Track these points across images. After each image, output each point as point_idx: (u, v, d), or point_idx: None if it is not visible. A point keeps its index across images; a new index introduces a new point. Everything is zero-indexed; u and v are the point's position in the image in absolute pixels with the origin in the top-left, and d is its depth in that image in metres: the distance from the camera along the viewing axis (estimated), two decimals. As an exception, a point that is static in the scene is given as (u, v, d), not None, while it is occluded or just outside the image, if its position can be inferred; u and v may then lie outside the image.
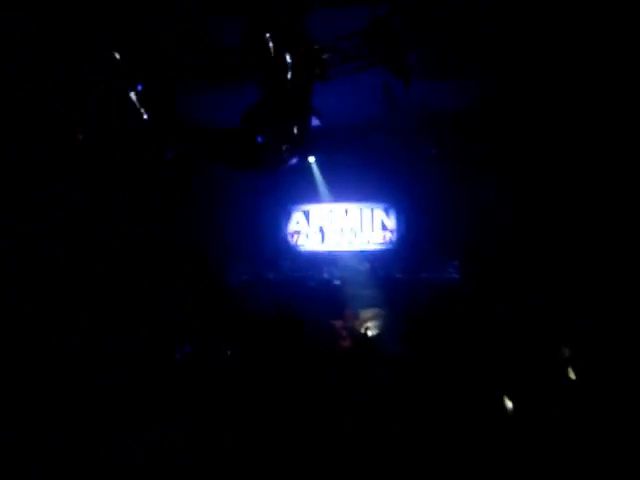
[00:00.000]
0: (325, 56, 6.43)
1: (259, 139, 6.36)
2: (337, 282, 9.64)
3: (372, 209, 9.92)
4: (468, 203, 9.28)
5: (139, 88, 6.76)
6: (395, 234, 9.93)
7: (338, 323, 8.64)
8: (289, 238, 9.84)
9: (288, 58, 5.89)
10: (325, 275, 9.74)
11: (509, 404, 4.95)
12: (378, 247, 9.91)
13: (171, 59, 6.99)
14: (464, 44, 6.17)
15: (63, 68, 6.42)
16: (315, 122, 7.03)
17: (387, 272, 9.80)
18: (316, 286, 9.63)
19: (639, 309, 6.62)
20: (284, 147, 6.53)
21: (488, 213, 9.07)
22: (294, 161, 6.92)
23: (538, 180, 8.58)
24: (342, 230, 9.84)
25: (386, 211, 9.96)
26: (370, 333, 8.52)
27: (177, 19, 6.64)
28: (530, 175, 8.64)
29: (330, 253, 9.84)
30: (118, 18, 6.42)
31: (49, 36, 6.11)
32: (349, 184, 9.50)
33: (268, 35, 5.88)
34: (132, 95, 6.86)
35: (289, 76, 5.97)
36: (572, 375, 5.37)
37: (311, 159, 8.90)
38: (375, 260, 9.86)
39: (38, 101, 6.83)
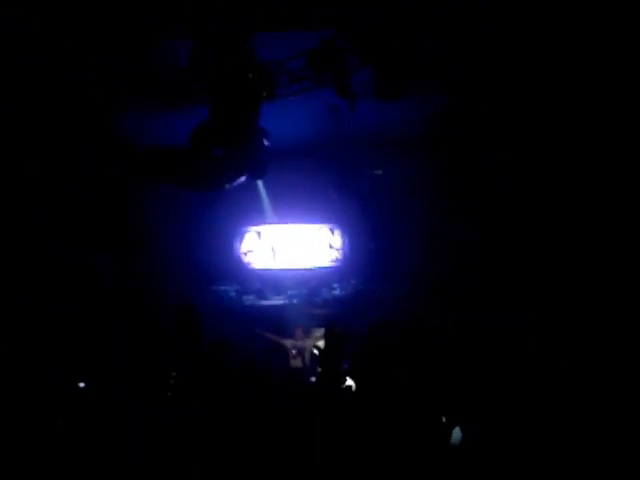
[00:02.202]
0: (272, 76, 6.54)
1: (204, 158, 6.39)
2: (287, 301, 9.67)
3: (319, 228, 10.05)
4: (415, 221, 9.48)
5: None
6: (341, 252, 10.06)
7: (288, 342, 8.65)
8: (242, 257, 9.86)
9: (235, 78, 5.96)
10: (276, 294, 9.77)
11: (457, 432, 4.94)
12: (326, 265, 10.02)
13: (112, 77, 6.97)
14: (412, 63, 6.33)
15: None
16: (263, 142, 7.10)
17: (336, 290, 9.90)
18: (267, 305, 9.64)
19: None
20: (231, 166, 6.58)
21: (435, 230, 9.27)
22: (241, 180, 6.96)
23: (489, 197, 8.78)
24: (292, 249, 9.93)
25: (332, 230, 10.10)
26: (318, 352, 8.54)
27: (124, 39, 6.64)
28: (479, 192, 8.84)
29: (281, 272, 9.89)
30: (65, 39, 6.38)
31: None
32: (297, 204, 9.58)
33: (215, 56, 5.96)
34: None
35: (236, 96, 6.04)
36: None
37: (260, 180, 8.97)
38: (324, 278, 9.95)
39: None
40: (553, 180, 7.87)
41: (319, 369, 5.70)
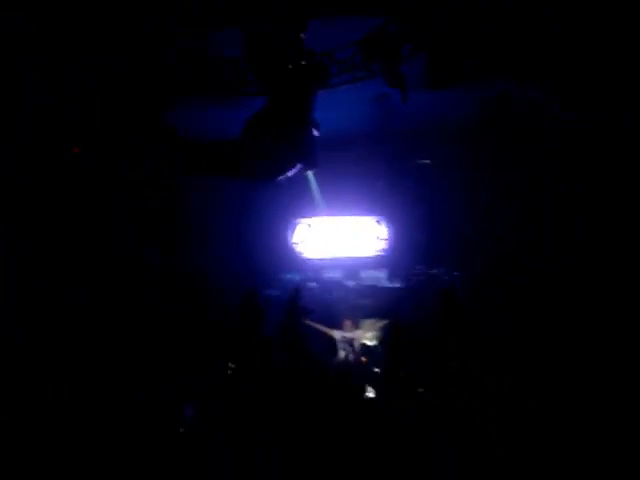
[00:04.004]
0: (325, 65, 6.50)
1: (260, 149, 6.38)
2: (336, 291, 9.67)
3: (367, 219, 10.05)
4: (461, 211, 9.36)
5: None
6: (388, 243, 10.02)
7: (337, 333, 8.63)
8: (294, 248, 9.93)
9: (289, 67, 5.93)
10: (325, 284, 9.80)
11: None
12: (373, 255, 10.00)
13: (164, 72, 7.02)
14: (462, 51, 6.21)
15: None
16: (313, 133, 7.05)
17: (382, 281, 9.89)
18: (317, 295, 9.64)
19: None
20: (285, 157, 6.55)
21: (482, 221, 9.13)
22: (294, 171, 6.93)
23: (534, 188, 8.62)
24: (340, 240, 9.96)
25: (379, 222, 10.08)
26: (369, 343, 8.52)
27: (174, 32, 6.67)
28: (524, 182, 8.69)
29: (330, 261, 9.93)
30: (115, 30, 6.45)
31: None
32: (345, 196, 9.58)
33: (269, 45, 5.94)
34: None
35: (290, 85, 6.01)
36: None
37: (310, 171, 8.94)
38: (371, 269, 9.94)
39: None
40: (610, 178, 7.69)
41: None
